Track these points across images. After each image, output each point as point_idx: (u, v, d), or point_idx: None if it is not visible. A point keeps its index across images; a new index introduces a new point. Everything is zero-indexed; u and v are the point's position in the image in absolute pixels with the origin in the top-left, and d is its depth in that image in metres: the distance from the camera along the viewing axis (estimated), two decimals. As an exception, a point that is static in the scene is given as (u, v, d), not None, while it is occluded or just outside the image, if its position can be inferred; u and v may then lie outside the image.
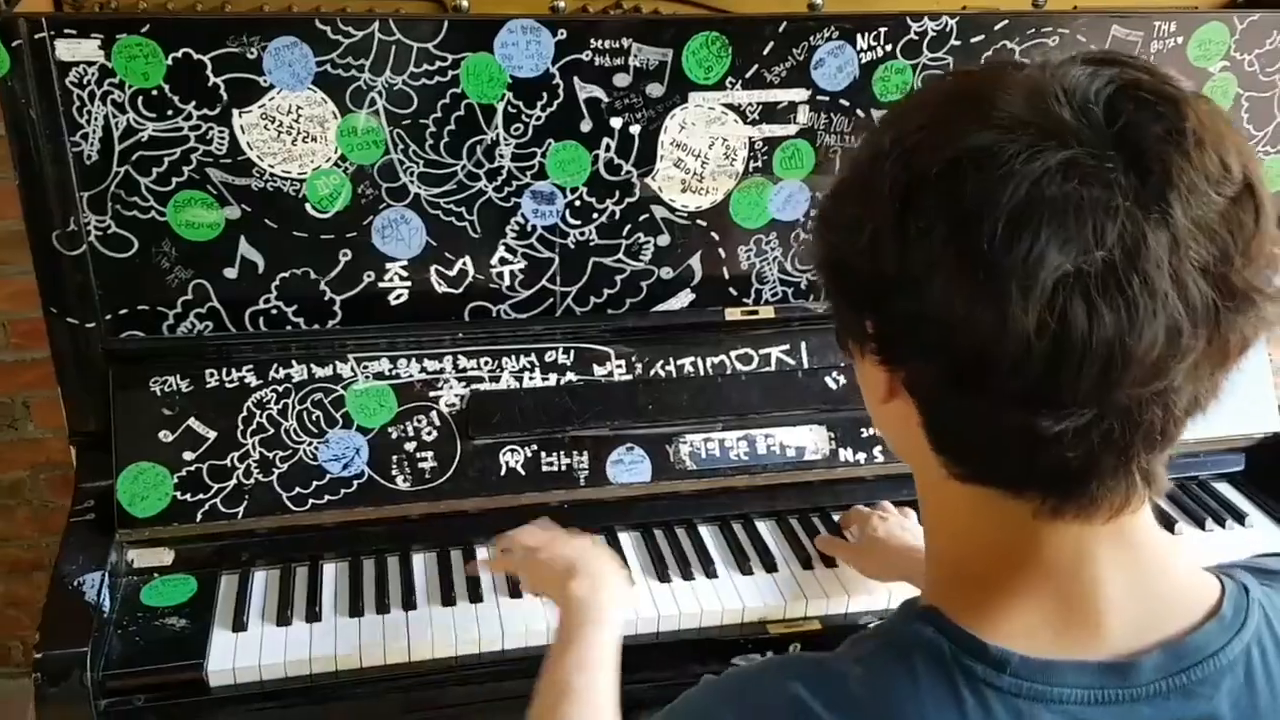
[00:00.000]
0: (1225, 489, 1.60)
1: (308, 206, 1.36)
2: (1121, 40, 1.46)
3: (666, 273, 1.50)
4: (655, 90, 1.38)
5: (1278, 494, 1.57)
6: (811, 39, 1.40)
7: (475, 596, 1.34)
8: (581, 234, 1.45)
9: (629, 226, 1.46)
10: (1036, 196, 0.56)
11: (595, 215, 1.44)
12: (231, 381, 1.37)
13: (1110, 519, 0.64)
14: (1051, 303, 0.55)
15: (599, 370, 1.47)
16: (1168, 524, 1.50)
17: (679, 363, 1.48)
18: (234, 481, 1.34)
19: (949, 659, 0.66)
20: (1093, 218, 0.55)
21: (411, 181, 1.37)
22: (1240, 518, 1.52)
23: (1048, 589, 0.67)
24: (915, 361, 0.64)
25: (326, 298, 1.41)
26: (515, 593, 1.34)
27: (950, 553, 0.73)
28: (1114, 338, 0.55)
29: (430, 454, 1.40)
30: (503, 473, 1.41)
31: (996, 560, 0.68)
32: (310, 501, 1.35)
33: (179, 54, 1.25)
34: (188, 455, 1.34)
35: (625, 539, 1.45)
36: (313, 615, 1.30)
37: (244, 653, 1.25)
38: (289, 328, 1.41)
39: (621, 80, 1.37)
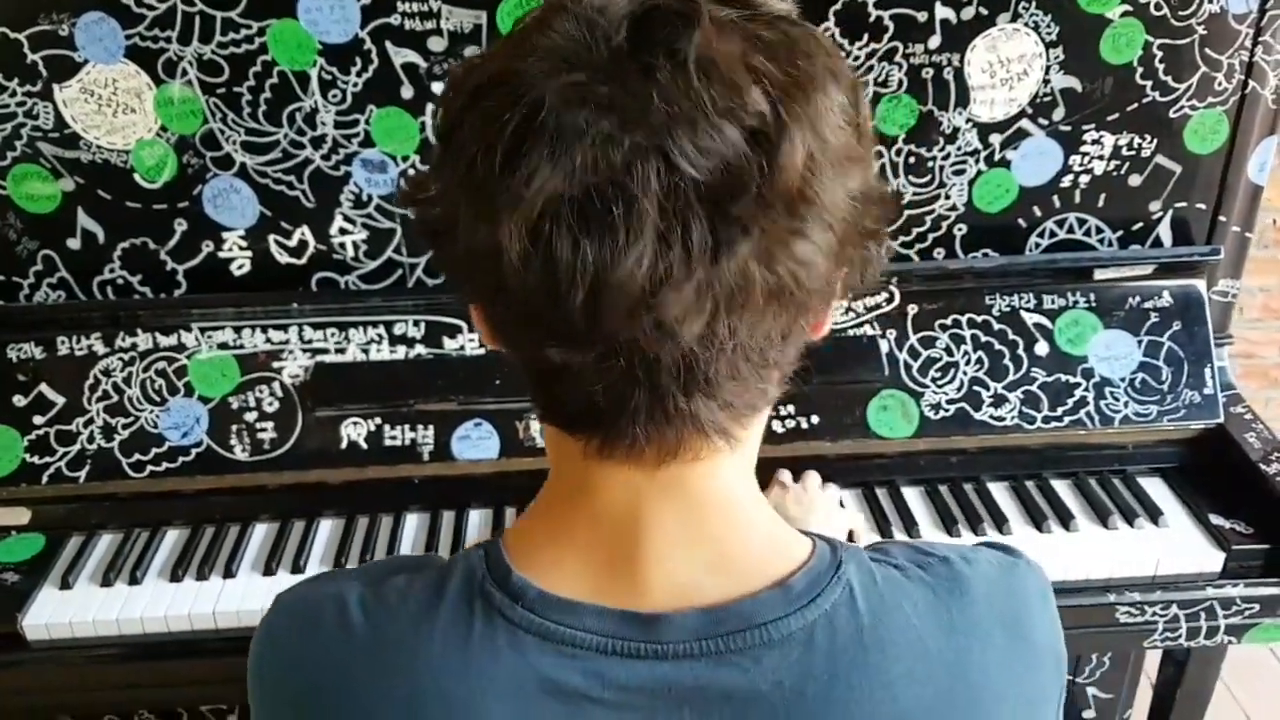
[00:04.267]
0: (1153, 485, 1.41)
1: (136, 177, 1.36)
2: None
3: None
4: (474, 54, 1.31)
5: (1211, 492, 1.38)
6: None
7: (297, 568, 1.34)
8: (423, 202, 1.40)
9: (471, 194, 1.39)
10: (535, 122, 0.54)
11: (432, 183, 1.39)
12: (80, 349, 1.40)
13: (661, 464, 0.61)
14: (536, 229, 0.54)
15: (450, 344, 1.42)
16: (1064, 519, 1.34)
17: (533, 334, 1.42)
18: (78, 446, 1.38)
19: (477, 583, 0.63)
20: (583, 144, 0.53)
21: (235, 150, 1.35)
22: (1155, 516, 1.35)
23: (594, 531, 0.64)
24: (470, 299, 0.63)
25: (169, 268, 1.42)
26: (337, 564, 1.34)
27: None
28: (595, 264, 0.53)
29: (270, 425, 1.40)
30: (343, 445, 1.40)
31: (558, 496, 0.66)
32: (149, 469, 1.38)
33: (-1, 34, 1.28)
34: (38, 419, 1.39)
35: (475, 517, 1.42)
36: (135, 579, 1.34)
37: (62, 610, 1.29)
38: (135, 297, 1.43)
39: (437, 44, 1.30)
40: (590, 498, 0.64)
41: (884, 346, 1.40)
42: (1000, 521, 1.35)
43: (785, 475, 1.34)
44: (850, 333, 1.41)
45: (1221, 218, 1.42)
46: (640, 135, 0.53)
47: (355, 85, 1.32)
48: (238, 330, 1.41)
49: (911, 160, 1.39)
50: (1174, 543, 1.32)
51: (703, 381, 0.58)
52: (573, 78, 0.54)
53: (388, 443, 1.40)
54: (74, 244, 1.40)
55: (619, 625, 0.61)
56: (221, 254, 1.42)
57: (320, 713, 0.64)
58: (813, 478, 1.34)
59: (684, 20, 0.54)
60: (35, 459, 1.38)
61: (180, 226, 1.40)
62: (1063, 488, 1.41)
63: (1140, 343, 1.40)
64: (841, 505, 1.35)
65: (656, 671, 0.60)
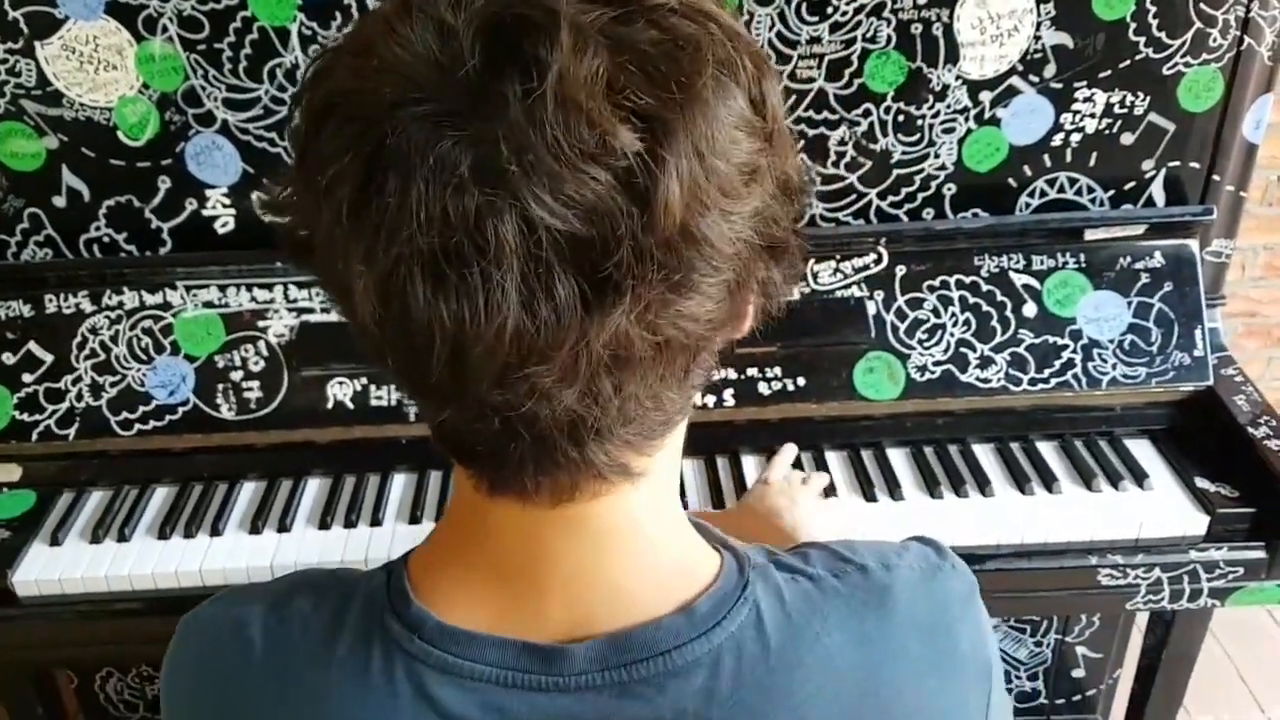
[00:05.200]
0: (1140, 447, 1.41)
1: (120, 135, 1.36)
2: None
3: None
4: (327, 46, 1.29)
5: (1199, 455, 1.37)
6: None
7: (283, 527, 1.35)
8: (407, 159, 1.39)
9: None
10: (381, 160, 0.48)
11: (416, 140, 1.38)
12: (68, 307, 1.41)
13: (557, 505, 0.58)
14: (388, 287, 0.49)
15: (435, 300, 1.42)
16: (1048, 481, 1.34)
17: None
18: (67, 404, 1.39)
19: (377, 611, 0.61)
20: (433, 193, 0.47)
21: (217, 107, 1.34)
22: (1140, 479, 1.34)
23: (491, 563, 0.61)
24: (353, 332, 0.57)
25: (154, 226, 1.42)
26: (323, 524, 1.35)
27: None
28: (454, 331, 0.48)
29: (256, 384, 1.40)
30: (330, 405, 1.40)
31: (458, 524, 0.63)
32: (137, 427, 1.39)
33: (-25, -10, 1.27)
34: (26, 377, 1.40)
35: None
36: (123, 536, 1.35)
37: (52, 566, 1.31)
38: (122, 255, 1.43)
39: (417, -3, 1.28)
40: (486, 532, 0.61)
41: (871, 308, 1.39)
42: (983, 483, 1.34)
43: (775, 474, 1.32)
44: (837, 294, 1.40)
45: (1215, 177, 1.40)
46: (495, 186, 0.47)
47: (336, 40, 1.30)
48: (223, 289, 1.41)
49: (900, 119, 1.37)
50: (1158, 505, 1.31)
51: (593, 433, 0.54)
52: (422, 109, 0.48)
53: (374, 403, 1.40)
54: (59, 202, 1.40)
55: (518, 657, 0.59)
56: (205, 212, 1.41)
57: None
58: (794, 474, 1.32)
59: (542, 35, 0.47)
60: (25, 416, 1.39)
61: (164, 184, 1.39)
62: (1048, 449, 1.40)
63: (1130, 304, 1.39)
64: (834, 493, 1.34)
65: (557, 704, 0.58)
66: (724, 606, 0.60)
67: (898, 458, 1.41)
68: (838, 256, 1.40)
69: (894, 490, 1.35)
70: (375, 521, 1.35)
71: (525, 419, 0.52)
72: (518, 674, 0.59)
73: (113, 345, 1.40)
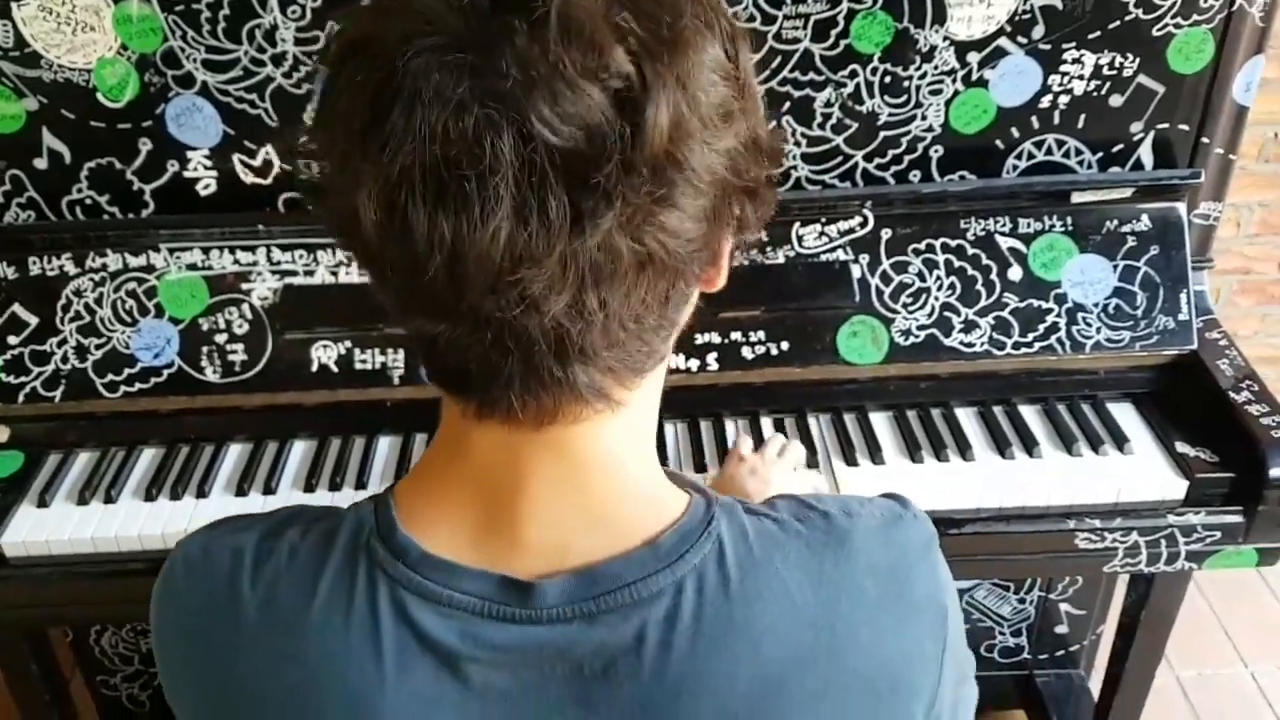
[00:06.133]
0: (1123, 411, 1.41)
1: (99, 96, 1.35)
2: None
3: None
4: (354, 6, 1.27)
5: (1181, 419, 1.38)
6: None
7: (269, 490, 1.36)
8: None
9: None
10: (391, 88, 0.53)
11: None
12: (52, 270, 1.40)
13: (540, 427, 0.61)
14: (391, 199, 0.53)
15: (420, 263, 1.41)
16: (1029, 445, 1.34)
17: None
18: (52, 366, 1.39)
19: (364, 537, 0.64)
20: (437, 112, 0.51)
21: (196, 69, 1.33)
22: (1121, 443, 1.35)
23: (475, 493, 0.64)
24: (358, 260, 0.63)
25: (135, 188, 1.41)
26: (308, 487, 1.36)
27: None
28: (451, 239, 0.52)
29: (241, 346, 1.40)
30: (314, 368, 1.41)
31: (443, 454, 0.66)
32: (122, 389, 1.39)
33: (-53, -51, 1.25)
34: (12, 340, 1.40)
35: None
36: (110, 498, 1.36)
37: (39, 528, 1.32)
38: (105, 217, 1.43)
39: (397, -44, 1.27)
40: (470, 457, 0.64)
41: (856, 272, 1.39)
42: (964, 447, 1.35)
43: (745, 446, 1.33)
44: (822, 258, 1.39)
45: (1205, 139, 1.39)
46: (495, 103, 0.51)
47: (315, 1, 1.29)
48: (206, 251, 1.41)
49: (887, 80, 1.35)
50: (1138, 470, 1.32)
51: (577, 351, 0.57)
52: (430, 41, 0.52)
53: (359, 366, 1.40)
54: (41, 164, 1.39)
55: (495, 590, 0.62)
56: (187, 174, 1.41)
57: (209, 659, 0.66)
58: (771, 447, 1.32)
59: None
60: (11, 378, 1.40)
61: (145, 146, 1.38)
62: (1031, 414, 1.41)
63: (1116, 267, 1.38)
64: (814, 467, 1.35)
65: (529, 634, 0.62)
66: (689, 540, 0.63)
67: (880, 421, 1.41)
68: (823, 219, 1.39)
69: (875, 454, 1.35)
70: (360, 484, 1.36)
71: (515, 332, 0.56)
72: (494, 605, 0.62)
73: (97, 308, 1.40)
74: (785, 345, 1.38)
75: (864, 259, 1.39)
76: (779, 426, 1.40)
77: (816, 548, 0.65)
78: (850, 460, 1.35)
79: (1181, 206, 1.40)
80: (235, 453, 1.43)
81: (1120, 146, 1.41)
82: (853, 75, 1.35)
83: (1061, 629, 1.91)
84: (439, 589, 0.62)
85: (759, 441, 1.35)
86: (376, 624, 0.62)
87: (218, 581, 0.66)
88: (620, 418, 0.63)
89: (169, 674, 0.69)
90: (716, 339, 1.37)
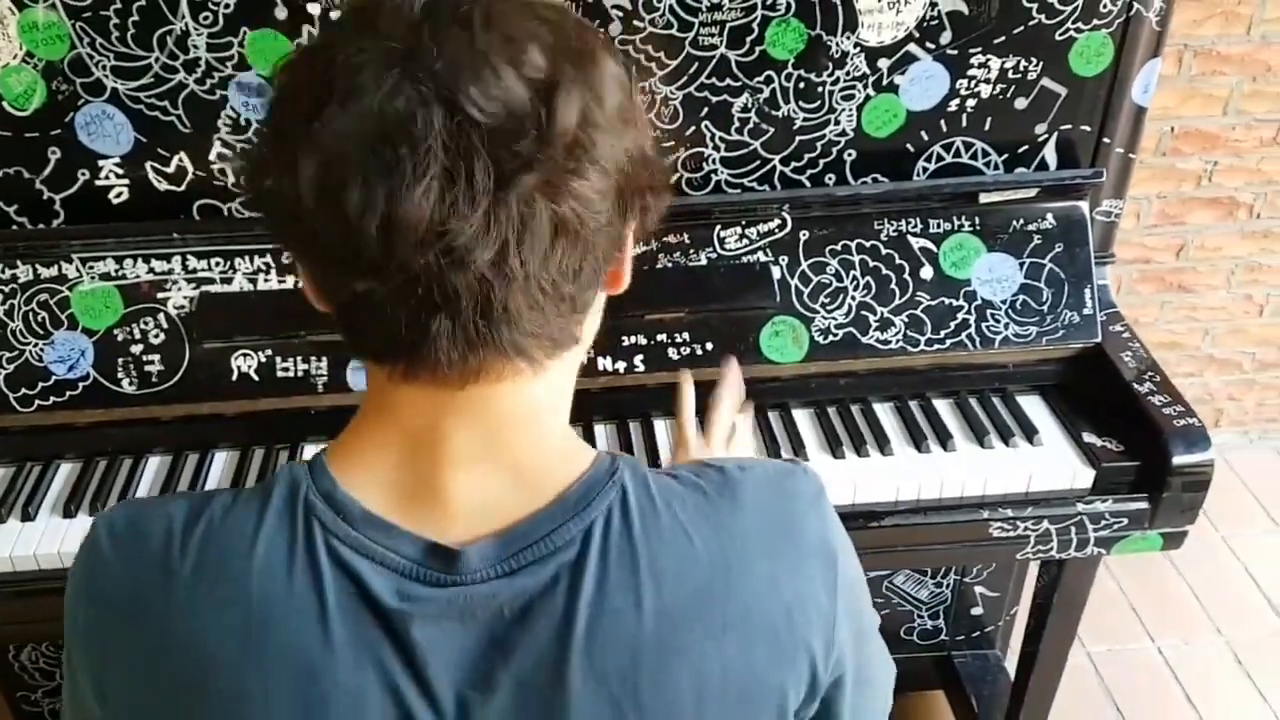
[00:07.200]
0: (1032, 403, 1.46)
1: (5, 105, 1.31)
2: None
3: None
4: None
5: (1087, 410, 1.43)
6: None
7: (192, 501, 1.35)
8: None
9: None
10: (334, 77, 0.60)
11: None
12: (-41, 282, 1.37)
13: (464, 386, 0.66)
14: (329, 170, 0.59)
15: (341, 269, 1.40)
16: (943, 439, 1.39)
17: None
18: (-38, 382, 1.36)
19: (301, 494, 0.68)
20: (373, 95, 0.58)
21: (106, 76, 1.31)
22: (1031, 435, 1.40)
23: (401, 455, 0.69)
24: (285, 244, 0.69)
25: (45, 197, 1.38)
26: (232, 498, 1.35)
27: None
28: (384, 199, 0.58)
29: (158, 357, 1.38)
30: (234, 377, 1.39)
31: (372, 420, 0.71)
32: (36, 403, 1.36)
33: None
34: (-81, 355, 1.36)
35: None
36: (27, 515, 1.33)
37: (-46, 550, 1.29)
38: (14, 228, 1.39)
39: (312, -39, 1.26)
40: (396, 420, 0.68)
41: (776, 273, 1.42)
42: (883, 443, 1.39)
43: (689, 431, 1.34)
44: (744, 259, 1.42)
45: (1106, 139, 1.44)
46: (427, 85, 0.58)
47: (227, 7, 1.27)
48: (119, 260, 1.38)
49: (801, 85, 1.38)
50: (1047, 460, 1.37)
51: (500, 309, 0.62)
52: (368, 42, 0.60)
53: (280, 374, 1.39)
54: (-56, 174, 1.35)
55: (424, 555, 0.67)
56: (99, 182, 1.38)
57: (143, 622, 0.67)
58: (716, 428, 1.34)
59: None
60: (-82, 394, 1.36)
61: (54, 155, 1.35)
62: (944, 407, 1.45)
63: (1022, 265, 1.43)
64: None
65: (456, 595, 0.67)
66: (594, 490, 0.69)
67: (802, 418, 1.44)
68: (743, 222, 1.42)
69: (799, 451, 1.39)
70: (285, 495, 1.35)
71: (443, 288, 0.60)
72: (423, 569, 0.67)
73: (8, 320, 1.37)
74: (710, 345, 1.40)
75: (783, 260, 1.42)
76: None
77: (713, 496, 0.71)
78: (774, 456, 1.37)
79: (1084, 205, 1.45)
80: (155, 465, 1.41)
81: (1025, 148, 1.46)
82: (768, 81, 1.37)
83: (977, 611, 1.98)
84: (378, 547, 0.66)
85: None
86: (318, 576, 0.66)
87: (150, 547, 0.68)
88: (538, 380, 0.68)
89: (91, 649, 0.70)
90: (643, 340, 1.39)
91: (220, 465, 1.40)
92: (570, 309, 0.66)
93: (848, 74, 1.37)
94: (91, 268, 1.38)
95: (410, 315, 0.62)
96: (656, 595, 0.67)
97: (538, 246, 0.61)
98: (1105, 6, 1.36)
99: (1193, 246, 2.41)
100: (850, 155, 1.43)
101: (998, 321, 1.42)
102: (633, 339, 1.40)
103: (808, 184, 1.45)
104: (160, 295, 1.39)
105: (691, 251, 1.41)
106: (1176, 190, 2.32)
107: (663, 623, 0.67)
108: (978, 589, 1.94)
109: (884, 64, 1.37)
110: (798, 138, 1.42)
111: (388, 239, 0.59)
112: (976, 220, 1.43)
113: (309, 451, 1.41)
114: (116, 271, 1.38)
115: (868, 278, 1.42)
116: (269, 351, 1.39)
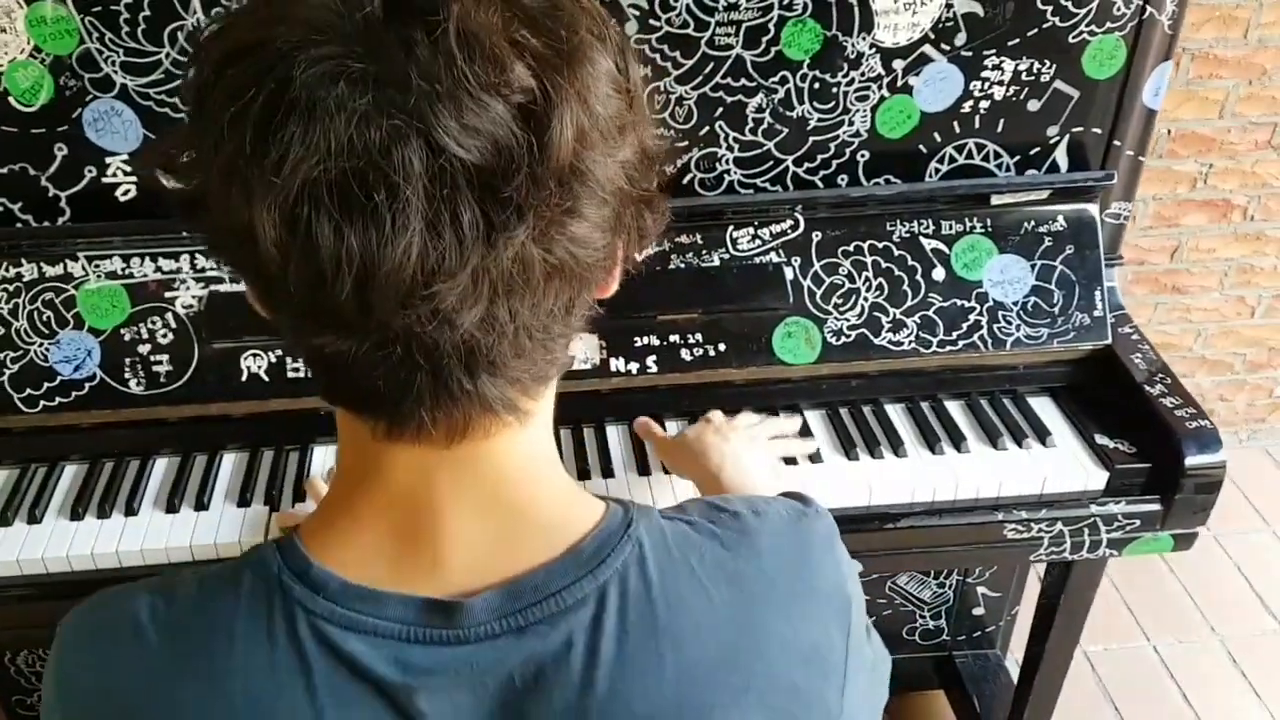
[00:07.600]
0: (1043, 405, 1.47)
1: (12, 100, 1.29)
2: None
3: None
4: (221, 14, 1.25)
5: (1099, 412, 1.44)
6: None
7: (201, 505, 1.33)
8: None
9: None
10: (285, 98, 0.51)
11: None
12: (-38, 281, 1.35)
13: (452, 444, 0.61)
14: (293, 216, 0.51)
15: (350, 269, 1.39)
16: (956, 440, 1.39)
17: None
18: (-35, 382, 1.34)
19: (274, 578, 0.63)
20: (338, 123, 0.51)
21: (115, 72, 1.29)
22: (1043, 437, 1.40)
23: (390, 516, 0.64)
24: (241, 277, 0.61)
25: (50, 194, 1.36)
26: (243, 500, 1.33)
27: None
28: (360, 254, 0.51)
29: (166, 357, 1.36)
30: (244, 378, 1.37)
31: (351, 482, 0.66)
32: (42, 403, 1.35)
33: None
34: (-78, 354, 1.34)
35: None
36: (34, 517, 1.31)
37: (-42, 551, 1.27)
38: (18, 226, 1.37)
39: (327, -42, 1.24)
40: (383, 480, 0.64)
41: (789, 274, 1.41)
42: (896, 444, 1.39)
43: (717, 414, 1.33)
44: (756, 260, 1.42)
45: (1116, 142, 1.45)
46: (400, 115, 0.50)
47: (240, 2, 1.26)
48: (126, 259, 1.36)
49: (816, 86, 1.38)
50: (1061, 462, 1.37)
51: (486, 363, 0.58)
52: (325, 50, 0.51)
53: (290, 374, 1.38)
54: (-53, 171, 1.33)
55: (420, 614, 0.62)
56: (106, 179, 1.36)
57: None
58: (746, 416, 1.35)
59: None
60: (-81, 395, 1.34)
61: (61, 151, 1.33)
62: (956, 409, 1.45)
63: (1033, 267, 1.44)
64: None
65: (459, 654, 0.62)
66: (609, 545, 0.65)
67: (814, 420, 1.44)
68: (756, 223, 1.41)
69: (813, 452, 1.38)
70: (298, 496, 1.34)
71: (426, 347, 0.55)
72: (419, 629, 0.62)
73: (13, 319, 1.35)
74: (722, 347, 1.40)
75: (796, 261, 1.42)
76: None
77: (730, 545, 0.68)
78: (789, 459, 1.37)
79: (1094, 207, 1.45)
80: (163, 467, 1.39)
81: (1037, 149, 1.46)
82: (783, 81, 1.37)
83: (979, 611, 1.98)
84: (364, 619, 0.62)
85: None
86: (304, 661, 0.61)
87: (122, 651, 0.63)
88: (528, 429, 0.64)
89: None
90: (656, 341, 1.38)
91: (229, 467, 1.39)
92: (557, 343, 0.62)
93: (863, 75, 1.37)
94: (98, 266, 1.36)
95: (389, 374, 0.57)
96: (678, 658, 0.63)
97: (529, 297, 0.56)
98: (1118, 9, 1.37)
99: (1187, 248, 2.43)
100: (863, 156, 1.43)
101: (1009, 323, 1.42)
102: (645, 340, 1.39)
103: (821, 185, 1.45)
104: (168, 294, 1.37)
105: (704, 252, 1.41)
106: (1172, 192, 2.34)
107: (684, 686, 0.63)
108: (980, 589, 1.95)
109: (899, 65, 1.37)
110: (811, 138, 1.41)
111: (365, 298, 0.52)
112: (988, 222, 1.43)
113: (318, 453, 1.40)
114: (124, 270, 1.36)
115: (880, 279, 1.42)
116: (279, 351, 1.38)
